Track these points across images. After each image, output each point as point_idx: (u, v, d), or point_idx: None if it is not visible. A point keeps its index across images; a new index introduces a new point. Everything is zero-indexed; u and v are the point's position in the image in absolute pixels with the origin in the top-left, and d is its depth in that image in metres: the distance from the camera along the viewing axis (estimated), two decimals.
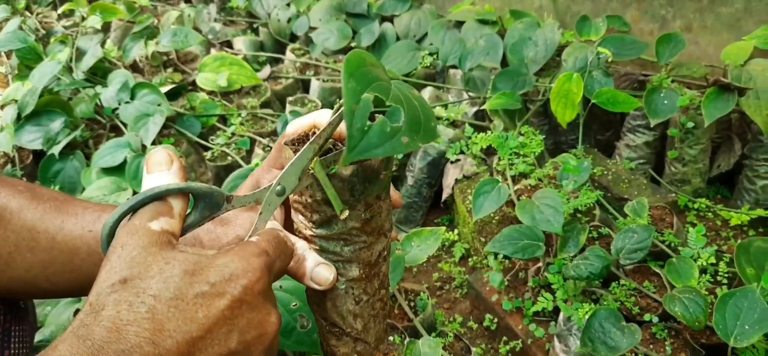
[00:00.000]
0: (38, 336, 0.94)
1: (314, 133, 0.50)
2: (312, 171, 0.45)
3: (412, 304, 1.11)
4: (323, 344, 0.57)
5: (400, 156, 1.58)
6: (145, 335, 0.37)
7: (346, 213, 0.48)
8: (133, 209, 0.43)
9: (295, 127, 0.51)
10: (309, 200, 0.48)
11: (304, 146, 0.46)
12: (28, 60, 2.10)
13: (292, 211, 0.51)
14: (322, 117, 0.51)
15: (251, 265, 0.42)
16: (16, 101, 1.81)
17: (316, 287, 0.50)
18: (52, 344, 0.37)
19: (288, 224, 0.54)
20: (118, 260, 0.40)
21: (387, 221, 0.52)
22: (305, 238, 0.51)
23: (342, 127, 0.47)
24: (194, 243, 0.55)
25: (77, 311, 0.97)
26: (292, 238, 0.50)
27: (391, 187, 0.55)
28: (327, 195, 0.47)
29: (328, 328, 0.54)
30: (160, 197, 0.43)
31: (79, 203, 0.60)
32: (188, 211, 0.46)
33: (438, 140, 1.57)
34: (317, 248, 0.50)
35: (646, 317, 1.00)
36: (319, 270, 0.49)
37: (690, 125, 1.41)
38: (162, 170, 0.46)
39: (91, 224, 0.57)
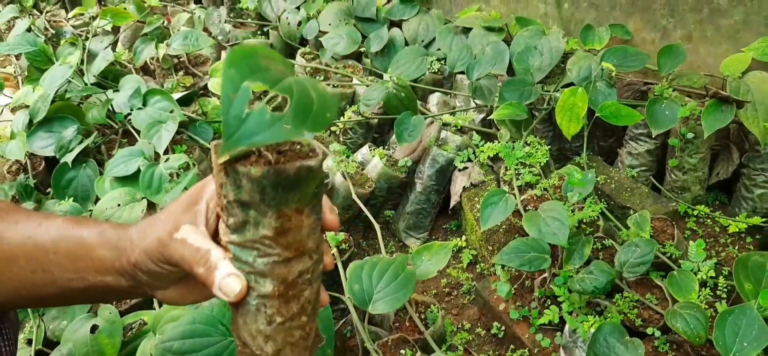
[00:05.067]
0: (55, 355, 0.96)
1: None
2: (220, 164, 0.43)
3: (422, 316, 1.15)
4: None
5: (409, 162, 1.62)
6: None
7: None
8: None
9: None
10: (224, 201, 0.46)
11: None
12: (37, 62, 2.11)
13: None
14: None
15: None
16: (27, 106, 1.83)
17: (224, 297, 0.48)
18: None
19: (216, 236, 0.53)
20: None
21: (311, 240, 0.49)
22: (223, 246, 0.49)
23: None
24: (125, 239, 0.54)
25: (94, 326, 0.98)
26: (209, 246, 0.49)
27: (330, 210, 0.52)
28: (239, 195, 0.44)
29: (240, 349, 0.51)
30: None
31: (23, 212, 0.59)
32: None
33: (446, 147, 1.61)
34: (231, 256, 0.48)
35: (649, 330, 1.05)
36: (228, 281, 0.47)
37: (690, 135, 1.45)
38: None
39: (31, 231, 0.56)
